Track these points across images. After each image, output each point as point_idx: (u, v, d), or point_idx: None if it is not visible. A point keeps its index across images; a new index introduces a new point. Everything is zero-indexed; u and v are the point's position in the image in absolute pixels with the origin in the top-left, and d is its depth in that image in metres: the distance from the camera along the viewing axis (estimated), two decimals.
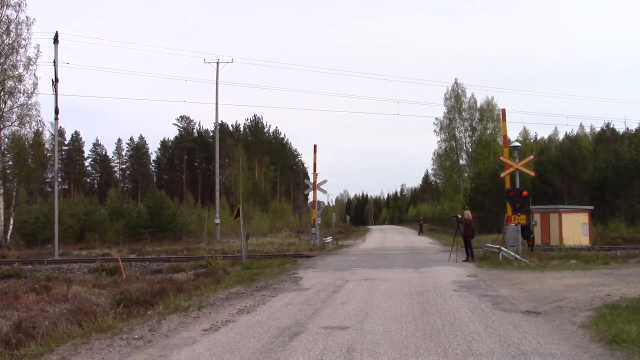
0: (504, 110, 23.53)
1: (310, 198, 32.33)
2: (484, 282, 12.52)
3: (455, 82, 59.76)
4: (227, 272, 16.51)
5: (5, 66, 32.31)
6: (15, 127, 34.02)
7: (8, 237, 34.66)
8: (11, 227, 35.58)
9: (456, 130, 59.05)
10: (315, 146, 30.54)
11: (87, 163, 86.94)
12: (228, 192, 65.76)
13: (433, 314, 8.49)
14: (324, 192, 31.06)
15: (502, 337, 6.76)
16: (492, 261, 17.36)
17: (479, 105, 58.94)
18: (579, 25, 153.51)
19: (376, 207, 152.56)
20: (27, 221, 39.14)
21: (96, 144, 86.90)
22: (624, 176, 39.40)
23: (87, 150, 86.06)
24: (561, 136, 71.01)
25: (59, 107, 28.22)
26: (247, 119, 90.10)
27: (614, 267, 14.97)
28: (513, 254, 17.37)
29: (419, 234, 46.31)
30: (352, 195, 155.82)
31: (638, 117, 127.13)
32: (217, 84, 39.93)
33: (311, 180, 32.56)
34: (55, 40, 28.46)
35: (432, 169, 69.78)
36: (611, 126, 62.12)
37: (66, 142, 79.37)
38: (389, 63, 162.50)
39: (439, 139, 60.55)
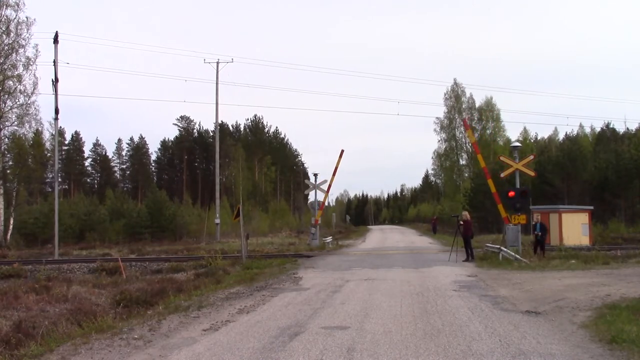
0: (465, 120, 23.67)
1: (311, 198, 32.46)
2: (484, 282, 12.52)
3: (455, 82, 59.87)
4: (227, 272, 16.51)
5: (5, 66, 32.35)
6: (15, 127, 34.11)
7: (8, 237, 34.67)
8: (11, 227, 35.59)
9: (456, 130, 59.05)
10: (342, 151, 30.41)
11: (87, 163, 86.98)
12: (228, 192, 65.72)
13: (433, 314, 8.49)
14: (324, 192, 31.07)
15: (502, 337, 6.76)
16: (492, 261, 17.37)
17: (477, 105, 59.06)
18: (579, 25, 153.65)
19: (376, 207, 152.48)
20: (27, 221, 39.11)
21: (96, 144, 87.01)
22: (624, 176, 39.42)
23: (87, 150, 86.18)
24: (561, 136, 71.11)
25: (59, 107, 28.24)
26: (247, 119, 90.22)
27: (614, 267, 14.97)
28: (513, 254, 17.39)
29: (434, 233, 45.26)
30: (352, 195, 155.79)
31: (638, 117, 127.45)
32: (217, 84, 39.97)
33: (311, 180, 32.56)
34: (55, 40, 28.46)
35: (432, 169, 69.90)
36: (611, 126, 62.26)
37: (66, 142, 79.34)
38: (389, 63, 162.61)
39: (439, 139, 60.65)
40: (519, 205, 18.81)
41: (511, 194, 18.94)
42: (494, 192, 20.34)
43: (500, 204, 20.32)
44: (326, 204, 37.10)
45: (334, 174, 30.59)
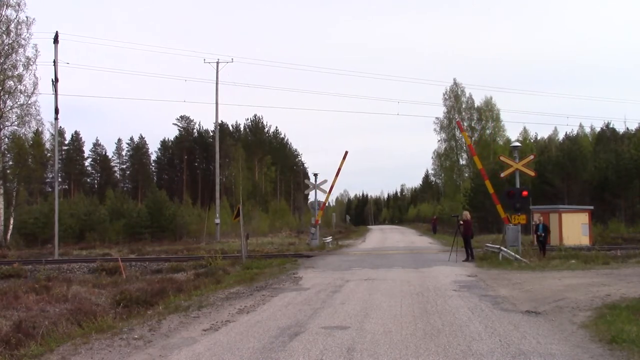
0: (459, 122, 23.69)
1: (311, 198, 32.50)
2: (484, 282, 12.52)
3: (455, 82, 59.86)
4: (227, 272, 16.51)
5: (5, 66, 32.34)
6: (15, 127, 34.11)
7: (8, 237, 34.66)
8: (11, 227, 35.58)
9: (456, 130, 59.03)
10: (346, 152, 30.50)
11: (87, 163, 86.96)
12: (228, 192, 65.72)
13: (433, 313, 8.49)
14: (324, 192, 31.09)
15: (502, 337, 6.76)
16: (492, 261, 17.37)
17: (477, 105, 59.05)
18: (579, 25, 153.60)
19: (376, 207, 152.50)
20: (27, 221, 39.11)
21: (96, 144, 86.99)
22: (624, 176, 39.39)
23: (87, 150, 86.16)
24: (561, 136, 71.14)
25: (59, 107, 28.24)
26: (247, 119, 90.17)
27: (614, 267, 14.97)
28: (513, 254, 17.39)
29: (433, 233, 44.82)
30: (352, 195, 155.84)
31: (638, 117, 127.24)
32: (217, 84, 39.99)
33: (311, 180, 32.56)
34: (55, 40, 28.47)
35: (432, 169, 69.90)
36: (611, 126, 62.27)
37: (66, 142, 79.33)
38: (389, 63, 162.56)
39: (439, 139, 60.64)
40: (519, 205, 18.81)
41: (511, 194, 18.95)
42: (492, 193, 20.46)
43: (498, 204, 20.35)
44: (327, 204, 37.12)
45: (336, 175, 30.85)
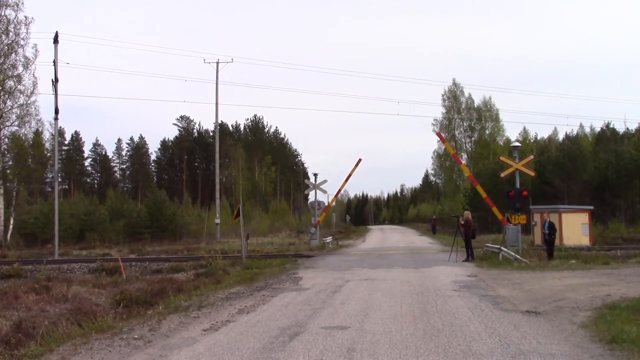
0: (439, 134, 23.73)
1: (311, 198, 32.55)
2: (484, 282, 12.51)
3: (454, 83, 59.86)
4: (227, 272, 16.50)
5: (5, 66, 32.34)
6: (15, 127, 34.13)
7: (8, 237, 34.67)
8: (11, 227, 35.59)
9: (455, 130, 59.07)
10: (359, 160, 30.43)
11: (87, 163, 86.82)
12: (228, 192, 65.71)
13: (433, 314, 8.49)
14: (324, 192, 31.14)
15: (502, 337, 6.76)
16: (492, 261, 17.37)
17: (476, 105, 59.03)
18: (579, 25, 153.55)
19: (376, 207, 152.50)
20: (27, 221, 39.11)
21: (96, 144, 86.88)
22: (624, 176, 39.39)
23: (87, 150, 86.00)
24: (561, 136, 71.13)
25: (59, 107, 28.23)
26: (247, 119, 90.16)
27: (614, 267, 14.97)
28: (513, 254, 17.39)
29: (433, 233, 44.79)
30: (352, 195, 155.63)
31: (638, 117, 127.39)
32: (217, 84, 40.04)
33: (311, 180, 32.57)
34: (55, 40, 28.46)
35: (432, 169, 69.97)
36: (611, 126, 62.24)
37: (66, 142, 79.26)
38: (389, 63, 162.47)
39: (439, 139, 60.65)
40: (519, 205, 18.82)
41: (511, 194, 18.97)
42: (486, 197, 20.59)
43: (494, 207, 20.39)
44: (326, 203, 37.11)
45: (346, 180, 31.60)
